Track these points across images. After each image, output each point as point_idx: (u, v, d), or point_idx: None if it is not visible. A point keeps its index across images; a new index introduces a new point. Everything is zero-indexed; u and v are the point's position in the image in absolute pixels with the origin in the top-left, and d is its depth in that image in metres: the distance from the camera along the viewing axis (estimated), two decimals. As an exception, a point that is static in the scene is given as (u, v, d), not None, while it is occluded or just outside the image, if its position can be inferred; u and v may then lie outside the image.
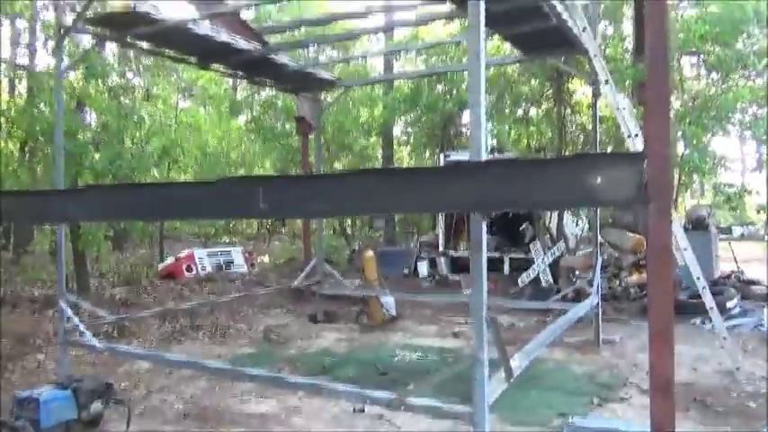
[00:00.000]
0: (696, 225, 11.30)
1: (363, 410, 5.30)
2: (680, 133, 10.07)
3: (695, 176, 12.92)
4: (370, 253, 9.80)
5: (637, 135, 6.21)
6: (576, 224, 11.54)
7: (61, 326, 5.79)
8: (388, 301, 9.76)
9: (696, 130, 9.97)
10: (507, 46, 8.17)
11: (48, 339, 7.56)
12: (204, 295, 11.00)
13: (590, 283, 8.34)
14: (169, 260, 14.36)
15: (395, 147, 17.19)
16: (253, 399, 5.90)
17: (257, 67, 7.71)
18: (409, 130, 15.93)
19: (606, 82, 6.33)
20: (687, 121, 10.38)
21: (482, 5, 3.59)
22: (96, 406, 4.78)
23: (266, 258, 17.10)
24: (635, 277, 9.81)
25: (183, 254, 14.39)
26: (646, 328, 7.82)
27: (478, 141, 3.55)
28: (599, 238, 7.90)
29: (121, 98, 12.77)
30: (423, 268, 13.90)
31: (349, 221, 17.68)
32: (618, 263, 10.02)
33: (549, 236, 12.24)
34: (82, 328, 5.62)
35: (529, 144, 12.56)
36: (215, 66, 7.50)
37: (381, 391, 4.10)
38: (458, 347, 7.93)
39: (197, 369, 5.60)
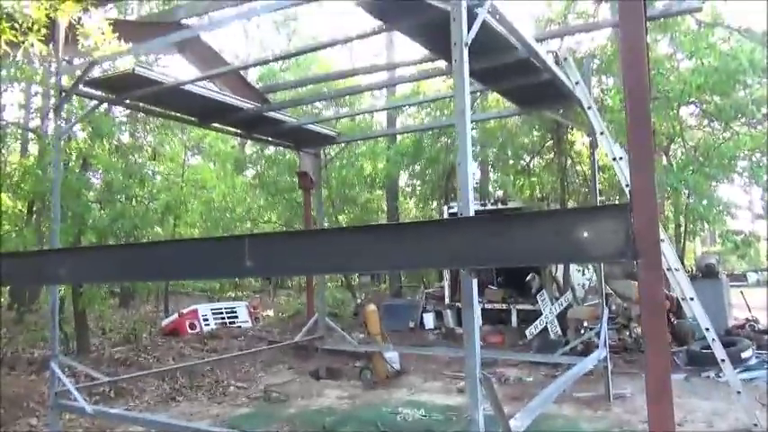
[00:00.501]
0: (706, 273, 11.09)
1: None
2: (683, 183, 10.02)
3: (703, 225, 12.83)
4: (371, 307, 9.65)
5: (621, 158, 6.18)
6: (583, 273, 11.36)
7: (52, 389, 5.66)
8: (392, 355, 9.55)
9: (699, 179, 9.92)
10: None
11: (41, 402, 7.39)
12: (205, 353, 10.83)
13: (598, 335, 8.15)
14: (172, 317, 14.24)
15: (400, 198, 17.24)
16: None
17: (256, 125, 7.83)
18: (414, 182, 16.00)
19: (602, 133, 6.35)
20: (690, 169, 10.35)
21: (466, 66, 3.63)
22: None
23: (271, 313, 16.91)
24: (645, 328, 9.54)
25: (186, 310, 14.27)
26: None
27: (466, 196, 3.51)
28: (605, 288, 7.75)
29: (129, 156, 13.03)
30: (429, 321, 13.67)
31: (355, 275, 17.54)
32: (626, 313, 9.79)
33: (556, 286, 12.04)
34: (73, 390, 5.49)
35: (532, 194, 12.53)
36: (215, 124, 7.62)
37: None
38: (463, 404, 7.64)
39: (189, 433, 5.42)
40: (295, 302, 17.83)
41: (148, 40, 6.03)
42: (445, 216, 13.96)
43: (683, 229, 12.45)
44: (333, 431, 6.70)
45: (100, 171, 10.94)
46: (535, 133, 11.85)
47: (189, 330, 13.55)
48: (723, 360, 5.79)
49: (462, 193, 3.52)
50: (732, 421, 6.34)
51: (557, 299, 11.46)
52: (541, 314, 11.46)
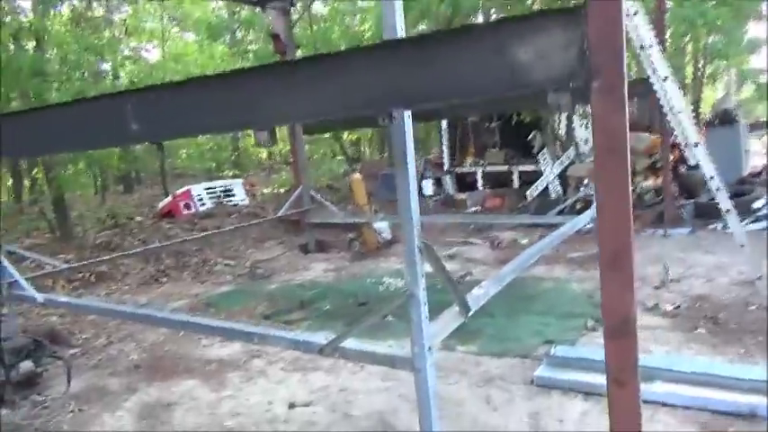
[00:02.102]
0: (723, 119, 10.17)
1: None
2: (702, 16, 8.79)
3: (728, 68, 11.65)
4: (356, 176, 9.12)
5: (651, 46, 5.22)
6: (586, 127, 10.49)
7: (2, 280, 5.34)
8: (382, 225, 9.16)
9: (722, 11, 8.69)
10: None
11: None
12: (195, 233, 10.57)
13: None
14: (167, 199, 13.96)
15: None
16: (217, 343, 5.45)
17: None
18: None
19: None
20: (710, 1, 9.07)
21: None
22: (26, 365, 4.37)
23: (270, 189, 16.60)
24: (650, 182, 8.90)
25: (180, 191, 13.95)
26: (659, 238, 6.98)
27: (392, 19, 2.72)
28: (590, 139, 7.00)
29: (96, 31, 11.98)
30: (428, 188, 13.18)
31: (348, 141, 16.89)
32: (631, 167, 9.08)
33: (559, 143, 11.27)
34: (20, 280, 5.15)
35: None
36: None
37: (316, 335, 3.52)
38: (450, 270, 7.31)
39: (143, 321, 5.12)
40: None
41: None
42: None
43: (701, 71, 11.29)
44: (310, 304, 6.44)
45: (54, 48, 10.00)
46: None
47: (185, 211, 13.32)
48: (728, 210, 5.19)
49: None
50: (734, 275, 5.88)
51: (559, 157, 10.75)
52: (543, 174, 10.85)
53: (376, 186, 13.75)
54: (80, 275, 7.88)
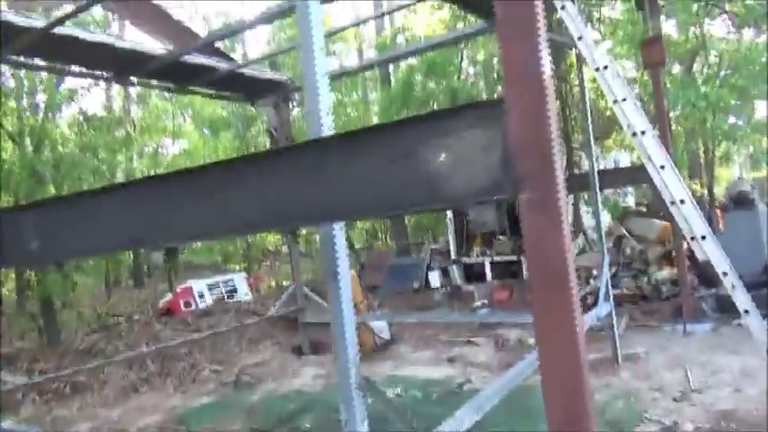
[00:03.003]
0: (739, 202, 9.62)
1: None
2: (704, 98, 8.51)
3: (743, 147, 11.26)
4: (350, 273, 8.62)
5: (624, 99, 4.91)
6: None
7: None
8: (380, 325, 8.59)
9: (723, 93, 8.42)
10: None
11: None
12: (187, 333, 10.08)
13: (612, 283, 7.04)
14: (168, 296, 13.62)
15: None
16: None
17: (184, 76, 6.73)
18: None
19: (580, 38, 5.05)
20: (715, 83, 8.84)
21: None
22: None
23: (275, 282, 16.18)
24: (665, 272, 8.28)
25: (180, 288, 13.63)
26: (679, 335, 6.27)
27: (318, 125, 2.38)
28: (609, 228, 6.55)
29: (107, 130, 12.20)
30: (435, 279, 12.62)
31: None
32: (643, 256, 8.52)
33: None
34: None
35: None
36: (133, 78, 6.56)
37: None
38: (448, 377, 6.68)
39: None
40: (305, 268, 17.01)
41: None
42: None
43: (711, 153, 10.90)
44: (290, 421, 5.81)
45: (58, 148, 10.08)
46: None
47: (184, 308, 12.90)
48: (747, 311, 4.58)
49: (313, 121, 2.38)
50: (764, 383, 5.14)
51: (568, 245, 10.21)
52: (552, 263, 10.26)
53: (383, 278, 13.28)
54: (54, 387, 7.38)
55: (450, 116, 1.61)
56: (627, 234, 9.06)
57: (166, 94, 15.95)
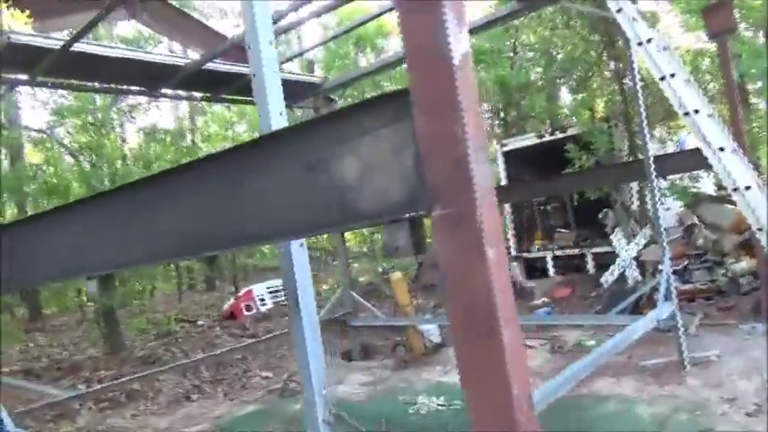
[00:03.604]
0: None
1: None
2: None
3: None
4: (397, 275, 8.38)
5: (673, 75, 4.35)
6: (661, 202, 9.19)
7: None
8: (431, 328, 8.26)
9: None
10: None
11: None
12: (243, 339, 10.19)
13: (681, 278, 6.41)
14: (231, 300, 13.88)
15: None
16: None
17: (216, 83, 6.69)
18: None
19: (619, 11, 4.53)
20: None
21: None
22: None
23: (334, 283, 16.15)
24: (744, 264, 7.42)
25: (242, 292, 13.87)
26: (759, 336, 5.57)
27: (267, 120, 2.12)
28: (660, 218, 5.93)
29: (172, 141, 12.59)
30: (494, 277, 12.09)
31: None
32: (718, 247, 7.69)
33: (633, 221, 9.98)
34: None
35: (593, 114, 10.41)
36: (166, 90, 6.59)
37: None
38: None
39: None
40: (370, 268, 16.93)
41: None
42: (499, 157, 12.18)
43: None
44: (328, 433, 5.61)
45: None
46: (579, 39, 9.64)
47: (245, 312, 13.12)
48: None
49: (263, 119, 2.12)
50: None
51: (634, 236, 9.47)
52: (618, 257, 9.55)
53: (439, 277, 12.91)
54: (110, 395, 7.59)
55: (362, 113, 1.30)
56: (699, 222, 8.24)
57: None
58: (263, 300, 13.55)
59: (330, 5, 6.34)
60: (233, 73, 6.47)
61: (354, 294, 8.60)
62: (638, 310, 7.49)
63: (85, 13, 6.00)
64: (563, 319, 7.67)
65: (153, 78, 6.18)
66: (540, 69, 10.84)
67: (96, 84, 6.03)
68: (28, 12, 5.43)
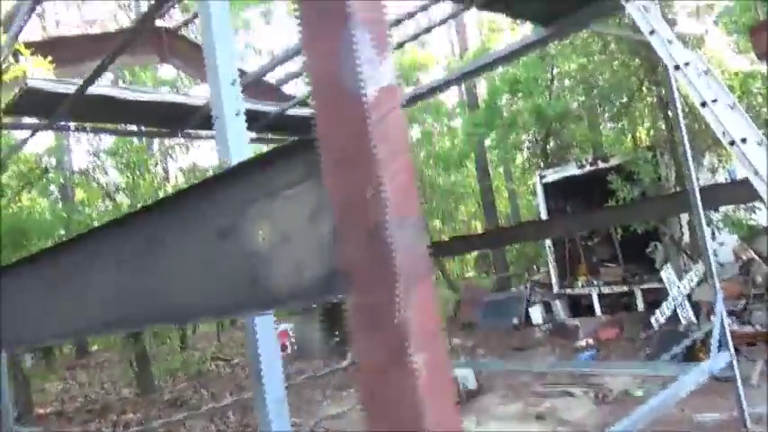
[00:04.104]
0: None
1: None
2: None
3: None
4: (428, 315, 7.94)
5: (715, 101, 3.93)
6: (713, 236, 8.53)
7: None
8: (465, 373, 7.80)
9: None
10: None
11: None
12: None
13: (740, 320, 5.84)
14: (266, 338, 13.69)
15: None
16: None
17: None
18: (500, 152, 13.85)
19: (652, 32, 4.17)
20: None
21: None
22: None
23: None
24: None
25: (278, 330, 13.68)
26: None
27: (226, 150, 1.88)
28: (712, 253, 5.40)
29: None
30: (536, 314, 11.52)
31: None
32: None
33: (685, 255, 9.32)
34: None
35: (636, 143, 9.88)
36: (188, 131, 6.54)
37: None
38: (534, 439, 5.76)
39: None
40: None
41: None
42: (538, 189, 11.72)
43: None
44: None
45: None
46: (617, 64, 9.20)
47: (281, 351, 12.90)
48: None
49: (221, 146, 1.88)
50: None
51: (686, 272, 8.81)
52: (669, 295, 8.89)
53: (478, 315, 12.41)
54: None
55: (275, 164, 1.03)
56: (757, 257, 7.55)
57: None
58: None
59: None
60: (255, 111, 6.37)
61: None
62: (692, 355, 6.86)
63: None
64: (606, 366, 7.08)
65: (172, 119, 6.14)
66: (579, 97, 10.40)
67: (115, 126, 6.03)
68: (51, 58, 5.48)
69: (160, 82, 12.26)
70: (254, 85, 7.11)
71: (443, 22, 5.60)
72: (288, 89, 8.11)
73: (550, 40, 5.52)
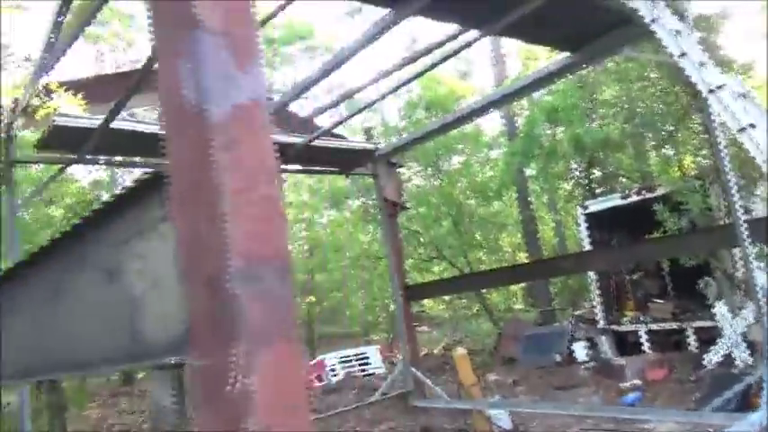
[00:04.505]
0: None
1: None
2: None
3: None
4: (460, 351, 7.67)
5: (754, 126, 3.65)
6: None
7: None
8: (499, 413, 7.43)
9: None
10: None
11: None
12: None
13: None
14: (302, 370, 13.59)
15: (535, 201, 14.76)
16: None
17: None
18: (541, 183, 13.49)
19: (682, 55, 3.93)
20: None
21: None
22: None
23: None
24: None
25: (314, 361, 13.55)
26: None
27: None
28: (759, 289, 4.96)
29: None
30: (580, 351, 10.96)
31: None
32: None
33: (740, 292, 8.69)
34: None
35: (683, 172, 9.38)
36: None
37: None
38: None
39: None
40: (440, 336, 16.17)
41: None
42: (581, 220, 11.30)
43: None
44: None
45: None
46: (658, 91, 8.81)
47: (317, 383, 12.74)
48: None
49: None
50: None
51: (742, 309, 8.19)
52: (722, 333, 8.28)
53: (520, 350, 11.92)
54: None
55: (145, 199, 0.90)
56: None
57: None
58: (333, 370, 13.14)
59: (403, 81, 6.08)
60: (280, 142, 6.38)
61: (414, 370, 7.97)
62: (747, 401, 6.30)
63: (143, 94, 6.20)
64: (651, 413, 6.59)
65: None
66: (623, 125, 10.02)
67: (138, 159, 6.12)
68: (82, 94, 5.64)
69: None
70: (286, 118, 7.18)
71: (458, 51, 5.43)
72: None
73: (580, 66, 5.29)
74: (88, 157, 5.47)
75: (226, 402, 0.66)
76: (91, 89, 5.87)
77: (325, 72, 4.87)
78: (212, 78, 0.70)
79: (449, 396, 7.94)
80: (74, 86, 5.72)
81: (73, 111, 5.44)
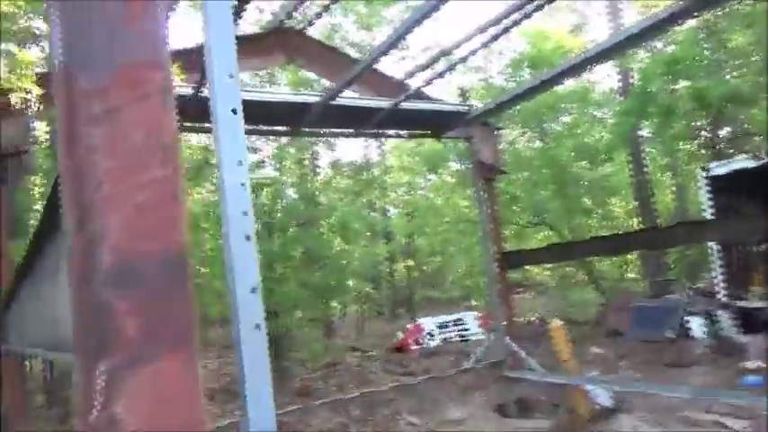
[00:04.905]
0: None
1: None
2: None
3: None
4: (556, 324, 7.29)
5: None
6: None
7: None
8: (597, 389, 7.05)
9: None
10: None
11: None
12: (399, 376, 9.87)
13: None
14: (401, 334, 13.75)
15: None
16: None
17: (354, 120, 6.58)
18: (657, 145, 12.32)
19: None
20: None
21: None
22: None
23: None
24: None
25: (411, 326, 13.65)
26: None
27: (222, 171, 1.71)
28: None
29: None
30: (696, 327, 10.09)
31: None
32: None
33: None
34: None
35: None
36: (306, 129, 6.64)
37: None
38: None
39: None
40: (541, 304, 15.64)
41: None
42: (702, 184, 10.23)
43: None
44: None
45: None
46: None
47: (414, 346, 12.85)
48: None
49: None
50: None
51: None
52: None
53: (626, 323, 11.20)
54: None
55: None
56: None
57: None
58: (431, 335, 13.16)
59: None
60: (366, 107, 6.28)
61: (508, 340, 7.74)
62: None
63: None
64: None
65: (292, 117, 6.26)
66: (755, 77, 8.82)
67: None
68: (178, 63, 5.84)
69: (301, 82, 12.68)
70: (377, 81, 7.04)
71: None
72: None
73: (692, 15, 4.63)
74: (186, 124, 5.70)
75: None
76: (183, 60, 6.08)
77: (414, 23, 4.60)
78: (87, 34, 0.58)
79: (544, 368, 7.65)
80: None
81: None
